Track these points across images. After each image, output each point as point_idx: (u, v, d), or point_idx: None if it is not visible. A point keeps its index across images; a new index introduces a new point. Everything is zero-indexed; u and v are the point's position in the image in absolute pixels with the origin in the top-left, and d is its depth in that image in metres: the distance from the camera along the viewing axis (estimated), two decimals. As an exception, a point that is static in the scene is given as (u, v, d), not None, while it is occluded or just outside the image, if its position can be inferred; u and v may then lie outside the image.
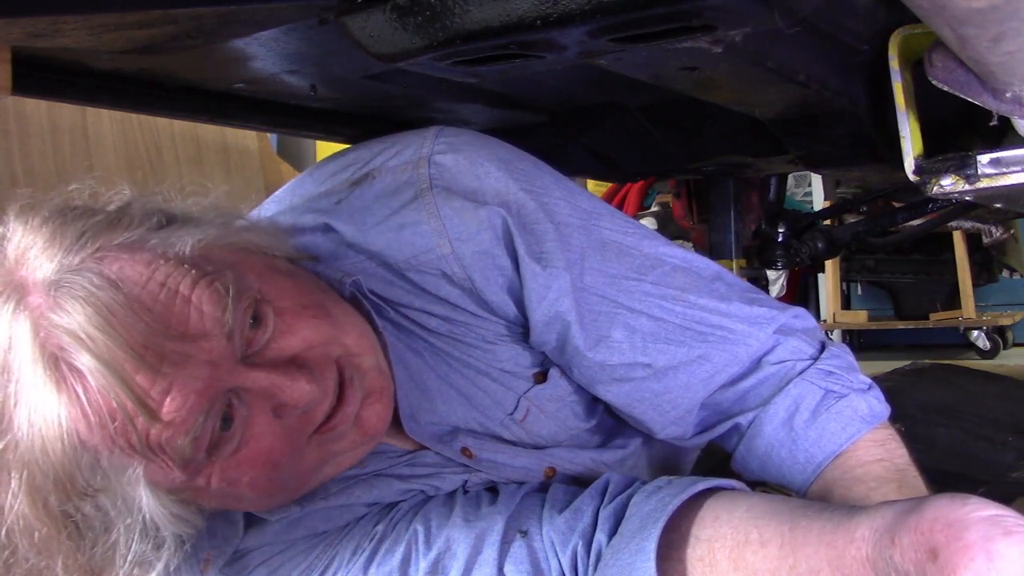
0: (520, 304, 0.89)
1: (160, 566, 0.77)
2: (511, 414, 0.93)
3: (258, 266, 0.79)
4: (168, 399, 0.69)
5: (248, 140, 2.26)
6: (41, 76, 0.96)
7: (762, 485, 0.99)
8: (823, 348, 0.96)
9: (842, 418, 0.90)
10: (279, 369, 0.74)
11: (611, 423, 1.00)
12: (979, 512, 0.57)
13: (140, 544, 0.75)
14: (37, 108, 1.81)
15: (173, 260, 0.73)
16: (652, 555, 0.72)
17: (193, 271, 0.72)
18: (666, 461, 1.06)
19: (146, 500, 0.73)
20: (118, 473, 0.71)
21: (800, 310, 0.97)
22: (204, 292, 0.72)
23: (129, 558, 0.75)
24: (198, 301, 0.71)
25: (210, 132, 2.16)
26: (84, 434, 0.69)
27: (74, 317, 0.67)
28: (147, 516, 0.74)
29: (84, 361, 0.67)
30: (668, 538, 0.74)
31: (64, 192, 0.80)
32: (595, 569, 0.79)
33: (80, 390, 0.68)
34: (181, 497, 0.76)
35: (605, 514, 0.81)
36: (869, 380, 0.95)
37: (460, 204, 0.85)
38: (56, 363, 0.68)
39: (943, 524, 0.57)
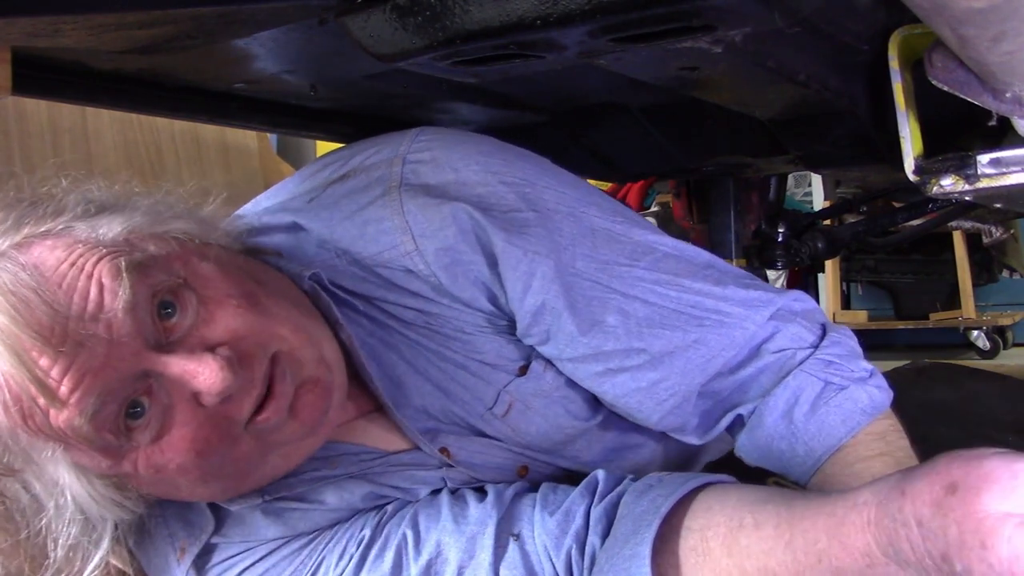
0: (494, 299, 0.89)
1: (100, 553, 0.78)
2: (491, 408, 0.92)
3: (187, 255, 0.79)
4: (66, 379, 0.69)
5: (248, 140, 2.26)
6: (41, 76, 0.96)
7: (772, 475, 0.98)
8: (824, 332, 0.94)
9: (842, 411, 0.89)
10: (193, 356, 0.74)
11: (620, 424, 0.99)
12: (994, 450, 0.56)
13: (71, 527, 0.75)
14: (37, 108, 1.81)
15: (91, 243, 0.74)
16: (647, 560, 0.71)
17: (103, 250, 0.73)
18: (679, 468, 1.04)
19: (71, 482, 0.74)
20: (38, 453, 0.72)
21: (799, 292, 0.95)
22: (105, 267, 0.72)
23: (61, 542, 0.75)
24: (99, 275, 0.72)
25: (210, 132, 2.16)
26: None
27: None
28: (75, 498, 0.74)
29: None
30: (660, 531, 0.73)
31: (25, 183, 0.81)
32: (590, 572, 0.79)
33: None
34: (114, 482, 0.76)
35: (596, 514, 0.81)
36: (871, 367, 0.93)
37: (424, 201, 0.85)
38: None
39: (960, 462, 0.56)
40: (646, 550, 0.72)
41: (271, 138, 2.56)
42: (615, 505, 0.81)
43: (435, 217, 0.85)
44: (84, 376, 0.70)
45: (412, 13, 0.72)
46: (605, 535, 0.79)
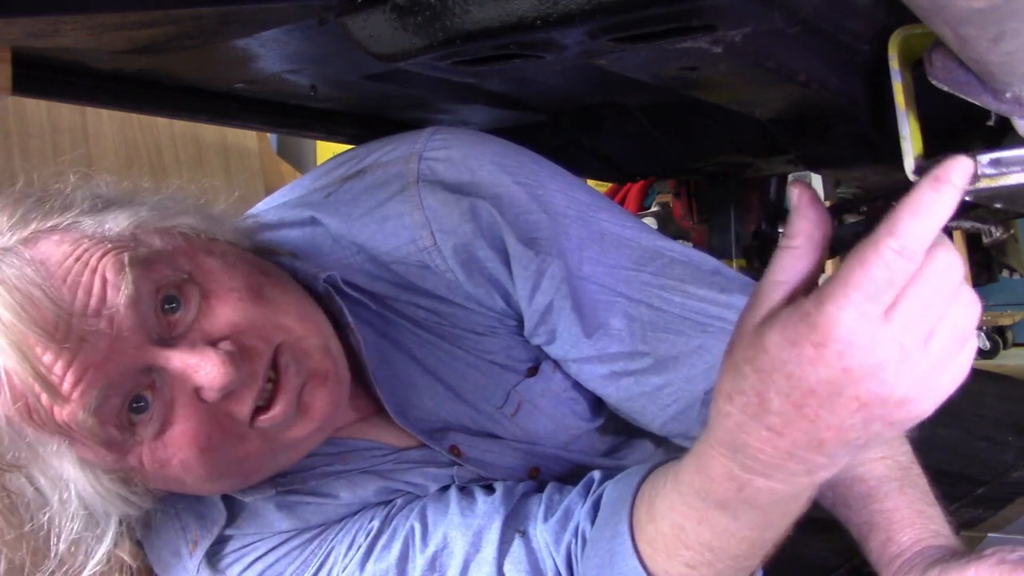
0: (507, 297, 0.89)
1: (103, 548, 0.78)
2: (500, 408, 0.92)
3: (193, 250, 0.79)
4: (69, 374, 0.70)
5: (248, 140, 2.26)
6: (41, 76, 0.96)
7: None
8: None
9: None
10: (195, 350, 0.73)
11: (619, 427, 0.99)
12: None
13: (75, 522, 0.75)
14: (37, 108, 1.81)
15: (97, 238, 0.74)
16: (627, 537, 0.73)
17: (108, 245, 0.73)
18: None
19: (76, 476, 0.74)
20: (44, 447, 0.72)
21: None
22: (109, 261, 0.72)
23: (64, 536, 0.75)
24: (102, 270, 0.72)
25: (210, 132, 2.16)
26: (3, 410, 0.70)
27: None
28: (80, 493, 0.74)
29: None
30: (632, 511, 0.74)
31: (35, 179, 0.81)
32: None
33: None
34: (121, 477, 0.76)
35: (586, 508, 0.82)
36: None
37: (444, 197, 0.85)
38: None
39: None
40: (624, 528, 0.73)
41: (271, 138, 2.56)
42: (602, 496, 0.82)
43: (454, 213, 0.85)
44: (86, 371, 0.70)
45: (412, 13, 0.72)
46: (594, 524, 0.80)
